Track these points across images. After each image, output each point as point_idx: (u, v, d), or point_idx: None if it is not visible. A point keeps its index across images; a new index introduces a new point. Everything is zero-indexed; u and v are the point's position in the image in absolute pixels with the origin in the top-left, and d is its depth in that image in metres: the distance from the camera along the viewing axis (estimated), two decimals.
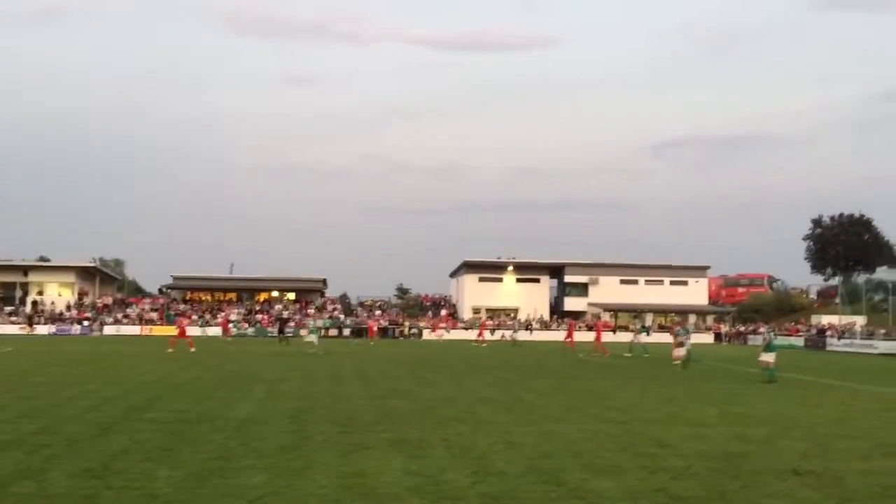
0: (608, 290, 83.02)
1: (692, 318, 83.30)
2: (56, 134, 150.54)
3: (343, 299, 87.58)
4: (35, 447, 10.28)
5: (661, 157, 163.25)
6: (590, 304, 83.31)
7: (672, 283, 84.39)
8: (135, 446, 10.48)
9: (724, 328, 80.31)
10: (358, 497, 7.79)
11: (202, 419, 13.24)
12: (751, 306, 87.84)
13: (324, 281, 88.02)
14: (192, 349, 37.27)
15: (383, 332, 73.57)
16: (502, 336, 64.88)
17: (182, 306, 79.74)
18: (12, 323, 71.00)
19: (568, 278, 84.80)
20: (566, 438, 11.81)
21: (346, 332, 70.32)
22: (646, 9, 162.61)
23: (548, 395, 18.85)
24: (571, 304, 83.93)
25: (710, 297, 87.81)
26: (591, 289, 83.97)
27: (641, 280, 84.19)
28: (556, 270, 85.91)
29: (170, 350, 36.68)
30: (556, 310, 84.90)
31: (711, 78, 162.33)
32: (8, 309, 76.10)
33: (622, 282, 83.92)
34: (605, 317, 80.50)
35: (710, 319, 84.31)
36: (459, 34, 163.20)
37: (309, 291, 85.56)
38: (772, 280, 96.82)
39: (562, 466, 9.55)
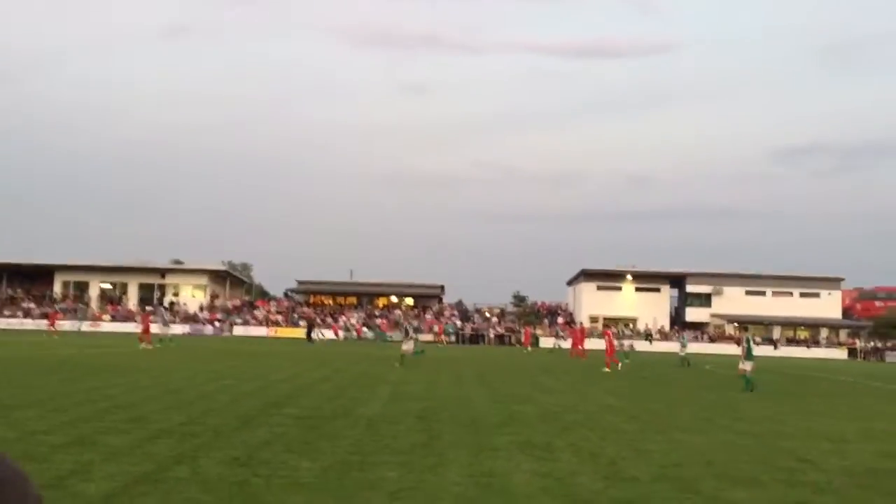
0: (733, 301, 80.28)
1: (823, 332, 79.42)
2: (184, 145, 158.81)
3: (459, 306, 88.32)
4: (185, 436, 10.96)
5: (787, 164, 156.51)
6: (713, 315, 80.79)
7: (802, 294, 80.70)
8: (275, 438, 11.01)
9: (860, 344, 76.14)
10: (492, 495, 7.93)
11: (335, 416, 13.74)
12: (889, 321, 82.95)
13: (441, 287, 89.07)
14: (149, 347, 37.85)
15: (500, 338, 73.82)
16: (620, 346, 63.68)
17: (305, 309, 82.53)
18: (151, 322, 75.34)
19: (690, 288, 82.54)
20: (697, 448, 11.58)
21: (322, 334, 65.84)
22: (764, 13, 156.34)
23: (673, 405, 18.47)
24: (693, 314, 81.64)
25: (843, 311, 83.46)
26: (714, 299, 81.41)
27: (769, 291, 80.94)
28: (677, 280, 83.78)
29: (143, 346, 37.85)
30: (677, 320, 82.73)
31: (838, 83, 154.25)
32: (148, 309, 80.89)
33: (748, 293, 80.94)
34: (730, 329, 78.01)
35: (843, 334, 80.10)
36: (573, 42, 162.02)
37: (427, 297, 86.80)
38: None
39: (695, 475, 9.40)
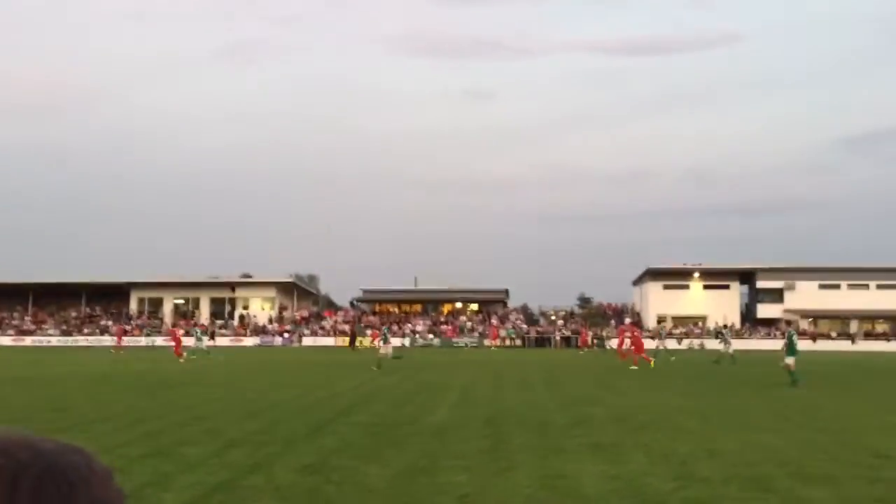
0: (806, 296, 77.98)
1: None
2: (248, 161, 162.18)
3: (525, 309, 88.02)
4: (258, 445, 11.22)
5: (859, 151, 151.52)
6: (786, 311, 78.62)
7: (879, 286, 77.95)
8: (345, 446, 11.18)
9: None
10: (561, 497, 7.92)
11: (402, 423, 13.87)
12: None
13: (506, 291, 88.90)
14: (181, 359, 37.60)
15: (566, 341, 73.26)
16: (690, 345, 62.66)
17: (372, 318, 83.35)
18: (223, 335, 77.17)
19: (760, 284, 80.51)
20: (771, 447, 11.32)
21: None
22: None
23: (746, 403, 18.09)
24: (765, 311, 79.59)
25: None
26: (786, 294, 79.25)
27: (844, 284, 78.35)
28: (746, 276, 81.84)
29: (181, 360, 37.46)
30: (748, 317, 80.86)
31: None
32: (219, 322, 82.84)
33: (822, 286, 78.52)
34: (804, 324, 75.93)
35: None
36: (631, 39, 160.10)
37: (491, 302, 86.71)
38: None
39: (769, 474, 9.20)
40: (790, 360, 23.33)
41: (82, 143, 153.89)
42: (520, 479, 8.81)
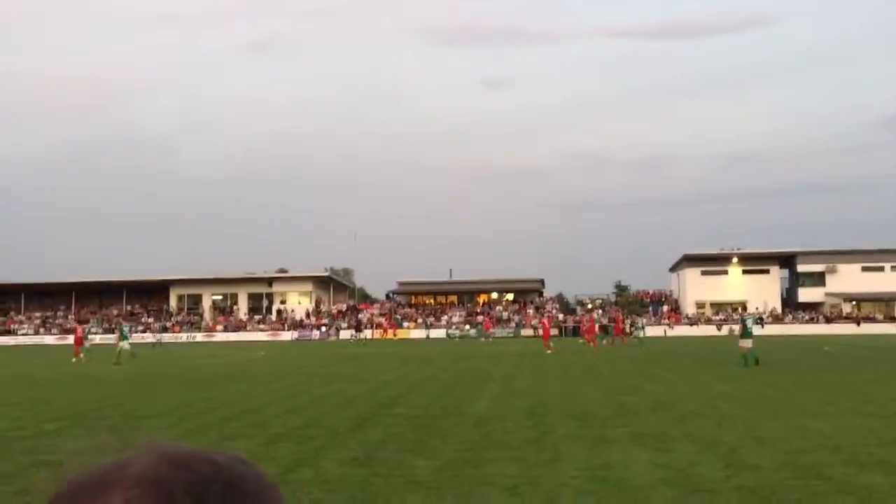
0: (849, 279, 76.66)
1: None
2: (281, 155, 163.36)
3: (560, 298, 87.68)
4: (304, 439, 11.31)
5: None
6: (828, 295, 77.37)
7: None
8: (390, 438, 11.23)
9: None
10: (611, 487, 7.87)
11: (445, 414, 13.89)
12: None
13: (541, 281, 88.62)
14: (75, 359, 36.26)
15: (604, 329, 72.77)
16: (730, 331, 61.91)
17: (408, 310, 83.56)
18: (261, 330, 78.02)
19: (801, 268, 79.27)
20: (821, 433, 11.15)
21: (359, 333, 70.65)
22: None
23: (791, 389, 17.83)
24: (806, 294, 78.40)
25: None
26: (828, 278, 77.96)
27: (888, 266, 76.87)
28: (786, 260, 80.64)
29: (74, 360, 36.09)
30: (790, 302, 79.69)
31: None
32: (257, 317, 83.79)
33: (864, 269, 77.10)
34: (847, 307, 74.71)
35: None
36: (657, 22, 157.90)
37: (527, 292, 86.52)
38: None
39: (822, 461, 9.05)
40: (746, 343, 24.96)
41: (118, 144, 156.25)
42: (567, 469, 8.77)
